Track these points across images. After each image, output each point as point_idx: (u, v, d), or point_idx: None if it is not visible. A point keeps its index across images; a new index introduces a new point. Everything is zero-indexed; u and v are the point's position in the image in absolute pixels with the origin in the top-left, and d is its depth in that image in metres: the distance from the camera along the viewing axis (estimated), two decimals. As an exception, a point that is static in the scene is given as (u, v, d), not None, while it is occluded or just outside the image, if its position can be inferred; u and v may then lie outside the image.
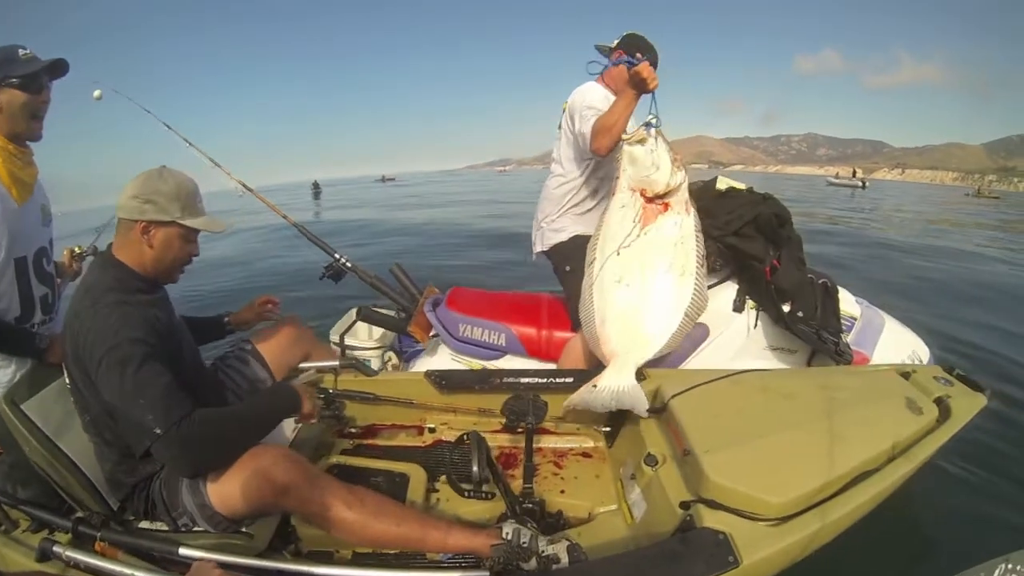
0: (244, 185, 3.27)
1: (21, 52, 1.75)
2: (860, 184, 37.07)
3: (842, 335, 2.53)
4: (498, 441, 2.32)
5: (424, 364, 2.87)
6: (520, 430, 2.09)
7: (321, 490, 1.56)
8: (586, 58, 2.64)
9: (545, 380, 2.31)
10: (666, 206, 2.09)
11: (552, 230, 2.72)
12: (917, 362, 2.63)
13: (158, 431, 1.40)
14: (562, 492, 2.07)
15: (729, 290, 2.63)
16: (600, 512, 1.98)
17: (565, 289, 2.73)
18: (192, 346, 1.87)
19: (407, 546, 1.64)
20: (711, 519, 1.56)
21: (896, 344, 2.74)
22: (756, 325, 2.58)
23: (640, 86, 2.07)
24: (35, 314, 1.87)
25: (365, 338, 3.30)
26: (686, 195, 2.12)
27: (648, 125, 2.08)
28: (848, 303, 2.75)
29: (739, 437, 1.78)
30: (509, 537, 1.58)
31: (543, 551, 1.56)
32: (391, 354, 3.20)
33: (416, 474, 2.06)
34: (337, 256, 3.06)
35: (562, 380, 2.30)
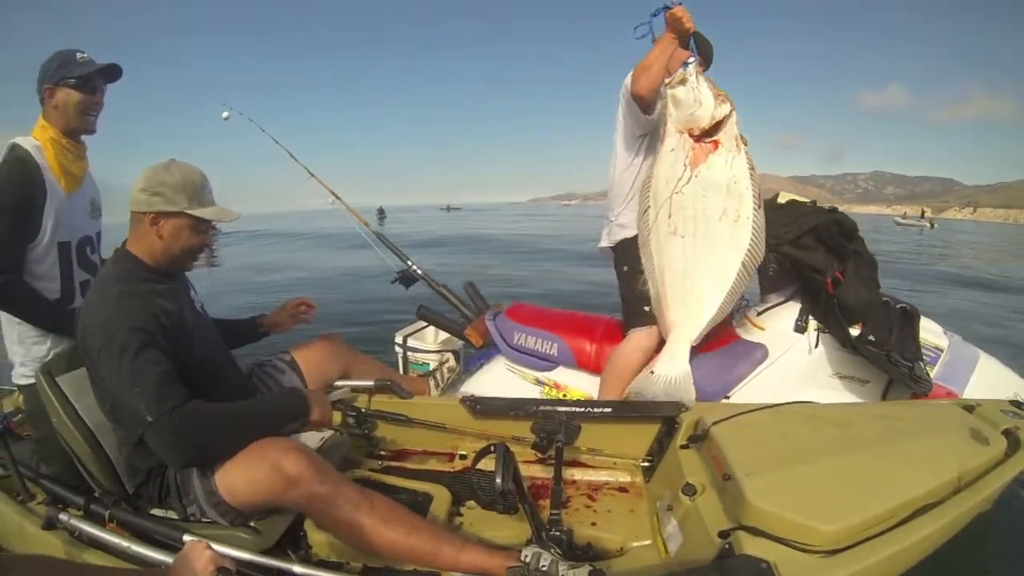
0: (334, 194, 3.48)
1: (79, 55, 1.91)
2: (928, 224, 36.64)
3: (923, 365, 2.33)
4: (530, 471, 2.23)
5: (481, 373, 2.93)
6: (551, 458, 2.00)
7: (331, 487, 1.53)
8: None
9: (583, 409, 2.22)
10: (715, 144, 2.08)
11: (618, 225, 2.63)
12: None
13: (149, 419, 1.43)
14: (593, 524, 1.97)
15: (792, 309, 2.53)
16: (633, 546, 1.87)
17: (620, 289, 2.66)
18: (214, 343, 1.88)
19: (417, 559, 1.58)
20: (752, 547, 1.43)
21: (993, 384, 2.44)
22: (817, 345, 2.44)
23: (676, 26, 2.08)
24: (75, 299, 1.99)
25: (430, 342, 3.33)
26: (735, 130, 2.09)
27: (685, 64, 2.08)
28: (934, 334, 2.55)
29: (785, 462, 1.66)
30: (528, 560, 1.50)
31: (562, 575, 1.46)
32: (449, 355, 3.21)
33: (440, 495, 1.99)
34: (409, 263, 3.25)
35: (600, 410, 2.22)
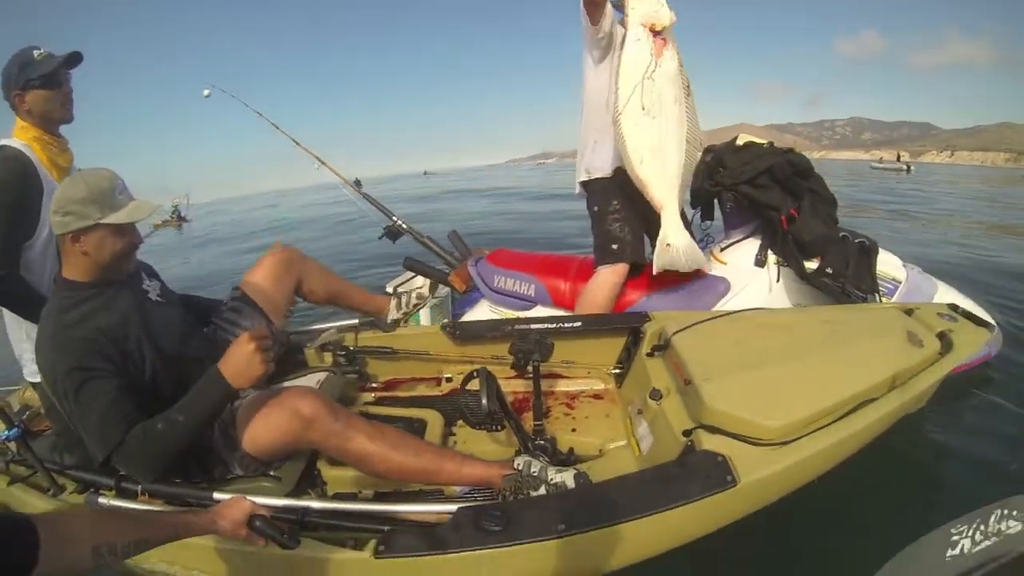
0: (319, 159, 3.60)
1: (36, 53, 1.90)
2: (904, 168, 36.50)
3: (880, 296, 2.48)
4: (512, 387, 2.39)
5: (465, 318, 3.08)
6: (529, 373, 2.16)
7: (344, 423, 1.64)
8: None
9: (555, 325, 2.39)
10: (665, 41, 2.24)
11: (587, 167, 2.74)
12: None
13: (100, 457, 1.51)
14: (573, 431, 2.16)
15: (752, 245, 2.67)
16: (610, 448, 2.06)
17: (592, 228, 2.78)
18: (173, 326, 1.83)
19: (424, 477, 1.73)
20: (710, 443, 1.62)
21: None
22: (778, 280, 2.59)
23: None
24: None
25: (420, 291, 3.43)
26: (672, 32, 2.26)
27: None
28: (892, 267, 2.68)
29: (738, 366, 1.84)
30: (520, 468, 1.69)
31: (551, 479, 1.65)
32: (425, 284, 3.29)
33: (434, 419, 2.16)
34: (394, 219, 3.37)
35: (571, 325, 2.39)
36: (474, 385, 1.80)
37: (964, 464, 2.37)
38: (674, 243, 2.32)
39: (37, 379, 1.87)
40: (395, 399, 2.45)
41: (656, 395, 1.95)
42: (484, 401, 1.74)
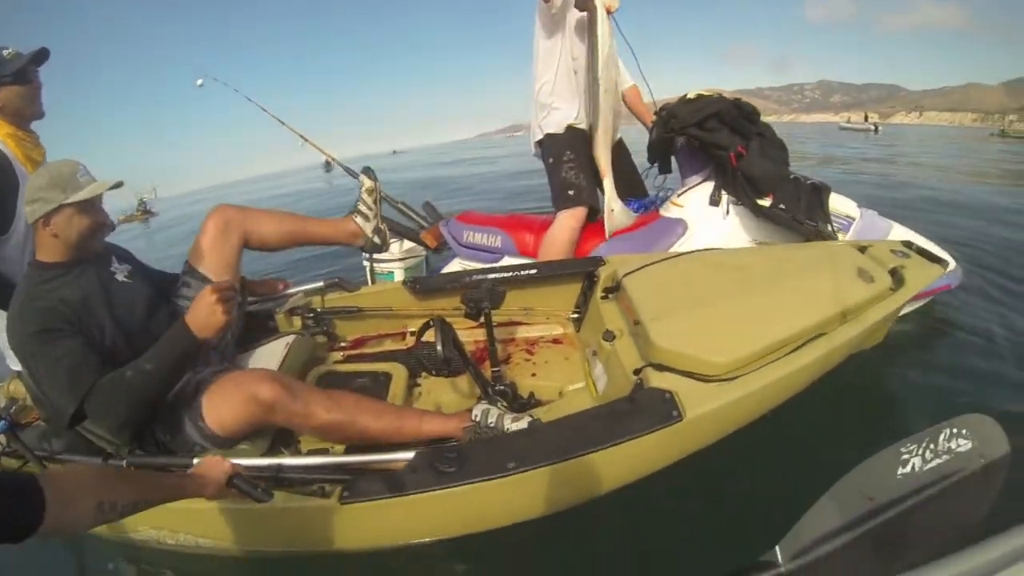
0: (303, 137, 3.72)
1: (5, 52, 1.96)
2: (872, 128, 36.82)
3: (834, 231, 2.56)
4: (473, 336, 2.43)
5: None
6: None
7: (303, 401, 1.70)
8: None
9: (511, 274, 2.42)
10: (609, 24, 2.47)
11: (541, 125, 2.96)
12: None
13: (71, 410, 1.57)
14: (533, 375, 2.19)
15: (707, 188, 2.76)
16: (569, 390, 2.09)
17: (549, 180, 2.96)
18: (137, 305, 1.88)
19: (387, 438, 1.77)
20: (659, 381, 1.65)
21: None
22: (728, 212, 2.69)
23: None
24: None
25: (396, 253, 3.51)
26: None
27: None
28: (846, 206, 2.73)
29: (686, 305, 1.87)
30: (478, 418, 1.74)
31: (507, 428, 1.69)
32: (413, 260, 3.51)
33: (398, 373, 2.18)
34: None
35: (527, 273, 2.42)
36: (432, 336, 1.83)
37: (917, 390, 2.43)
38: (615, 208, 2.66)
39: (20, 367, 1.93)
40: (362, 356, 2.48)
41: (609, 336, 1.97)
42: (439, 348, 1.78)
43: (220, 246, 2.16)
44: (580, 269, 2.44)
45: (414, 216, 3.33)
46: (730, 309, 1.82)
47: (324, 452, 1.89)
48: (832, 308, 1.81)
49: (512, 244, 3.01)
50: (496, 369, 2.02)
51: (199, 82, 3.58)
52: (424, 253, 3.50)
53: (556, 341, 2.39)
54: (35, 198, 1.65)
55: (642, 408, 1.57)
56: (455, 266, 3.22)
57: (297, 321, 2.48)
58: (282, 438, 1.91)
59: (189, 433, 1.74)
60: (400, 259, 3.48)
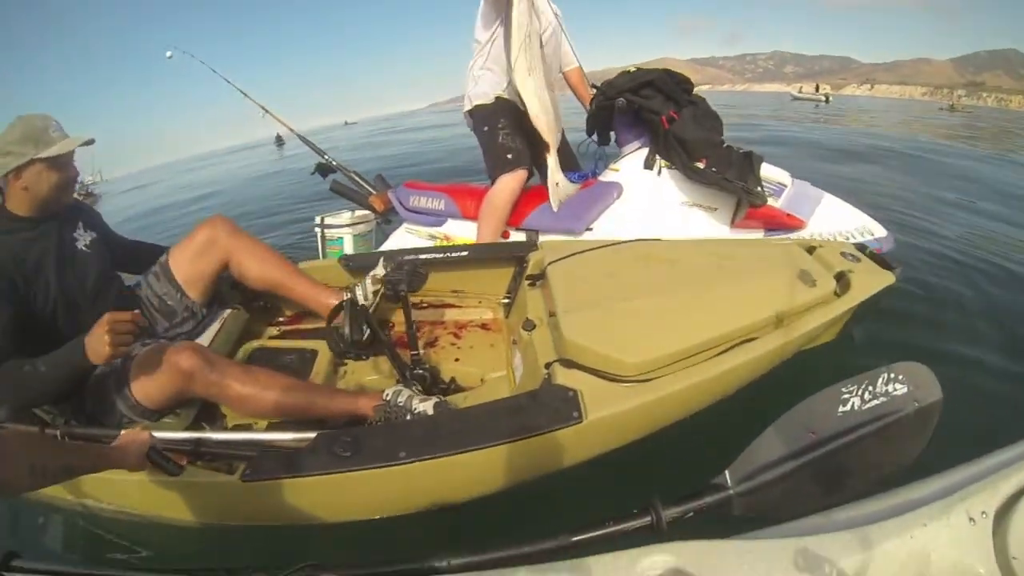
0: (264, 108, 3.86)
1: None
2: (823, 99, 37.91)
3: (765, 196, 2.57)
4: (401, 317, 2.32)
5: (388, 241, 3.30)
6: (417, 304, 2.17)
7: (219, 372, 1.72)
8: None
9: (442, 255, 2.34)
10: (532, 2, 2.42)
11: (473, 95, 3.00)
12: (868, 237, 2.60)
13: None
14: (457, 360, 2.12)
15: (642, 153, 2.78)
16: (491, 377, 2.02)
17: (483, 148, 3.02)
18: (87, 275, 1.90)
19: (299, 414, 1.78)
20: (565, 377, 1.56)
21: (838, 216, 2.71)
22: (660, 174, 2.73)
23: None
24: None
25: (346, 220, 3.53)
26: None
27: None
28: (778, 173, 2.78)
29: (605, 299, 1.77)
30: (388, 398, 1.72)
31: (415, 408, 1.67)
32: (364, 227, 3.52)
33: (324, 350, 2.13)
34: (325, 156, 3.60)
35: (457, 255, 2.35)
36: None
37: (856, 336, 2.41)
38: (560, 181, 2.64)
39: None
40: (297, 332, 2.43)
41: (528, 326, 1.88)
42: (345, 330, 1.77)
43: (199, 259, 2.13)
44: (510, 253, 2.36)
45: (365, 185, 3.40)
46: (651, 306, 1.72)
47: (248, 428, 1.86)
48: (765, 311, 1.70)
49: (456, 208, 3.05)
50: (415, 353, 1.94)
51: (168, 54, 3.69)
52: (374, 219, 3.50)
53: (484, 326, 2.31)
54: (6, 151, 1.69)
55: (543, 405, 1.48)
56: (401, 232, 3.26)
57: (238, 295, 2.39)
58: (207, 415, 1.92)
59: (117, 405, 1.76)
60: (350, 224, 3.47)
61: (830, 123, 17.48)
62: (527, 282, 2.14)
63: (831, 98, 39.38)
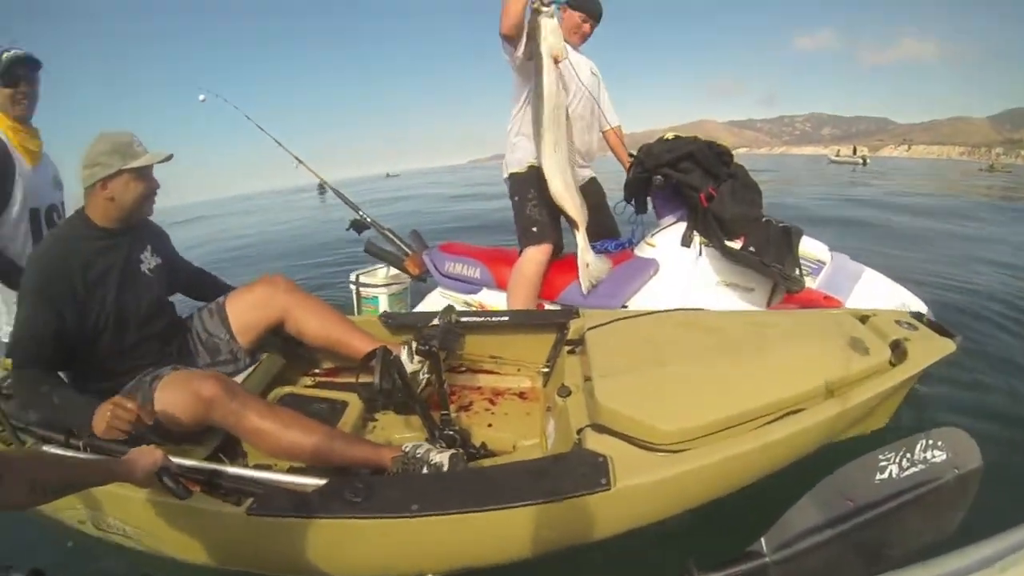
0: (298, 159, 3.81)
1: (4, 55, 2.14)
2: (861, 161, 37.75)
3: (803, 275, 2.48)
4: (450, 379, 2.31)
5: (422, 304, 3.26)
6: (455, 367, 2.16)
7: (239, 403, 1.74)
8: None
9: (481, 319, 2.32)
10: (560, 72, 2.47)
11: (508, 162, 3.02)
12: None
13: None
14: (489, 426, 2.06)
15: (680, 228, 2.71)
16: (523, 445, 1.95)
17: (514, 216, 2.99)
18: (144, 298, 1.97)
19: (315, 455, 1.75)
20: (596, 443, 1.49)
21: (878, 293, 2.60)
22: (700, 253, 2.65)
23: None
24: None
25: (380, 279, 3.57)
26: None
27: (553, 2, 2.40)
28: (816, 249, 2.69)
29: (641, 365, 1.70)
30: (407, 450, 1.70)
31: (432, 460, 1.64)
32: (398, 287, 3.57)
33: (355, 402, 2.10)
34: (360, 212, 3.55)
35: (499, 320, 2.32)
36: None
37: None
38: (590, 261, 2.65)
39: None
40: (331, 384, 2.42)
41: (564, 392, 1.81)
42: (376, 379, 1.72)
43: (254, 311, 2.20)
44: (551, 320, 2.32)
45: (400, 243, 3.39)
46: (689, 372, 1.64)
47: (265, 469, 1.79)
48: (814, 380, 1.60)
49: (491, 277, 3.02)
50: (446, 413, 1.91)
51: (201, 97, 3.64)
52: (409, 280, 3.52)
53: (522, 395, 2.25)
54: (95, 163, 1.79)
55: (570, 469, 1.41)
56: (435, 296, 3.23)
57: (278, 340, 2.41)
58: (229, 450, 1.92)
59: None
60: (385, 285, 3.51)
61: (868, 186, 17.55)
62: (567, 348, 2.09)
63: (868, 160, 39.62)
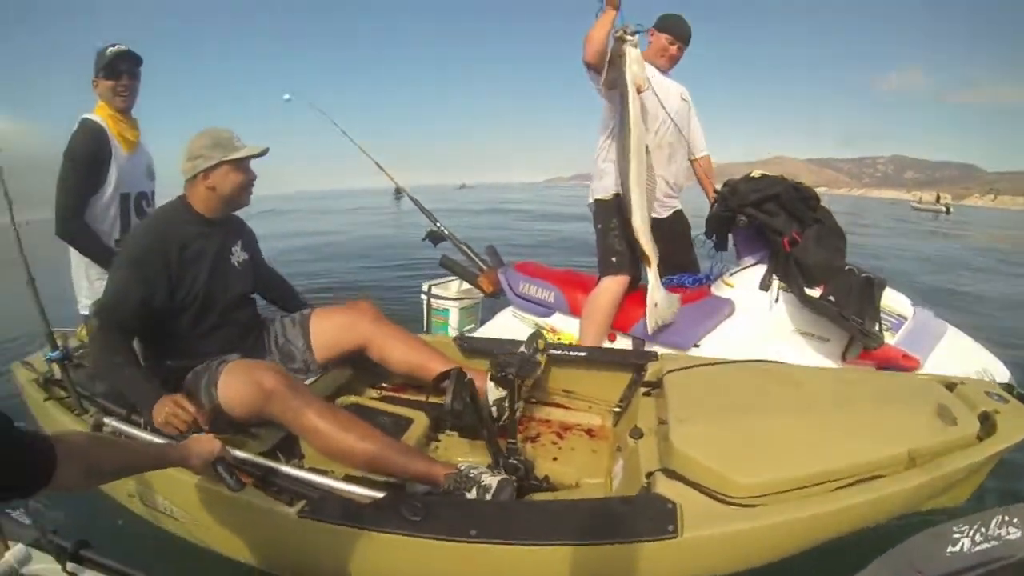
0: (379, 165, 3.90)
1: (109, 49, 2.30)
2: (944, 209, 36.43)
3: (883, 329, 2.41)
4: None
5: (492, 322, 3.34)
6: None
7: (299, 399, 1.79)
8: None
9: (558, 352, 2.32)
10: (642, 102, 2.52)
11: (593, 189, 3.04)
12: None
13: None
14: (555, 459, 2.04)
15: (759, 271, 2.69)
16: (586, 482, 1.93)
17: (596, 244, 3.02)
18: (232, 291, 2.10)
19: (371, 462, 1.77)
20: (667, 489, 1.46)
21: (960, 357, 2.50)
22: (778, 299, 2.61)
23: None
24: None
25: (452, 292, 3.63)
26: None
27: (638, 32, 2.47)
28: (900, 304, 2.64)
29: (720, 412, 1.68)
30: (462, 468, 1.72)
31: (483, 481, 1.65)
32: (470, 302, 3.62)
33: (420, 420, 2.12)
34: (438, 224, 3.58)
35: (575, 354, 2.32)
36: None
37: None
38: (659, 300, 2.64)
39: (89, 311, 2.29)
40: (397, 399, 2.45)
41: (636, 433, 1.81)
42: (448, 399, 1.75)
43: (337, 332, 2.28)
44: (629, 360, 2.30)
45: (475, 258, 3.41)
46: (770, 426, 1.61)
47: (324, 473, 1.82)
48: (896, 447, 1.53)
49: (564, 302, 3.04)
50: (512, 441, 1.91)
51: (286, 96, 3.77)
52: (480, 296, 3.55)
53: (590, 432, 2.22)
54: (198, 155, 1.95)
55: (636, 513, 1.40)
56: (506, 315, 3.27)
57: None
58: (288, 449, 1.96)
59: (202, 402, 1.89)
60: (457, 299, 3.56)
61: (951, 237, 17.05)
62: (643, 390, 2.08)
63: (952, 209, 38.42)
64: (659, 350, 2.61)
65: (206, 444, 1.48)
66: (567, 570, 1.38)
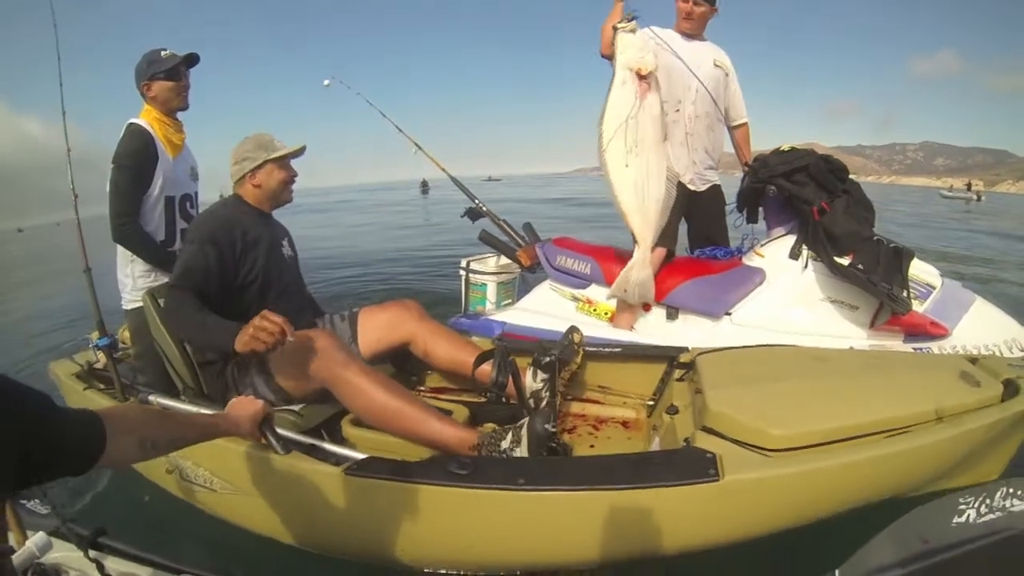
0: (417, 144, 3.93)
1: (163, 52, 2.40)
2: (975, 197, 35.31)
3: (911, 297, 2.44)
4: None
5: (530, 295, 3.35)
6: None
7: (345, 356, 1.89)
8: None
9: (594, 349, 2.38)
10: (649, 85, 2.44)
11: None
12: (1018, 353, 2.39)
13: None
14: (591, 447, 2.11)
15: (790, 240, 2.75)
16: None
17: None
18: (286, 276, 2.25)
19: (405, 422, 1.84)
20: (706, 443, 1.54)
21: (988, 326, 2.53)
22: (807, 267, 2.66)
23: None
24: (175, 242, 2.45)
25: (490, 267, 3.67)
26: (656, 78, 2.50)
27: (635, 18, 2.47)
28: (928, 274, 2.67)
29: (753, 380, 1.76)
30: (494, 434, 1.79)
31: (502, 445, 1.74)
32: (507, 276, 3.71)
33: (459, 412, 2.13)
34: (476, 201, 3.68)
35: (610, 350, 2.40)
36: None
37: None
38: (633, 277, 2.59)
39: (131, 306, 2.40)
40: (436, 398, 2.46)
41: (672, 410, 1.89)
42: (493, 373, 1.81)
43: (383, 329, 2.34)
44: (663, 353, 2.37)
45: (513, 234, 3.46)
46: (800, 389, 1.69)
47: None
48: (923, 404, 1.60)
49: (600, 273, 3.07)
50: (552, 427, 1.94)
51: (326, 82, 3.82)
52: (518, 270, 3.61)
53: (625, 424, 2.30)
54: (243, 157, 2.15)
55: (679, 462, 1.48)
56: (545, 288, 3.28)
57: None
58: (330, 429, 2.03)
59: (254, 377, 2.01)
60: (495, 273, 3.60)
61: (983, 222, 16.63)
62: (676, 376, 2.16)
63: (983, 196, 37.31)
64: (692, 318, 2.74)
65: (250, 405, 1.53)
66: (614, 513, 1.44)
